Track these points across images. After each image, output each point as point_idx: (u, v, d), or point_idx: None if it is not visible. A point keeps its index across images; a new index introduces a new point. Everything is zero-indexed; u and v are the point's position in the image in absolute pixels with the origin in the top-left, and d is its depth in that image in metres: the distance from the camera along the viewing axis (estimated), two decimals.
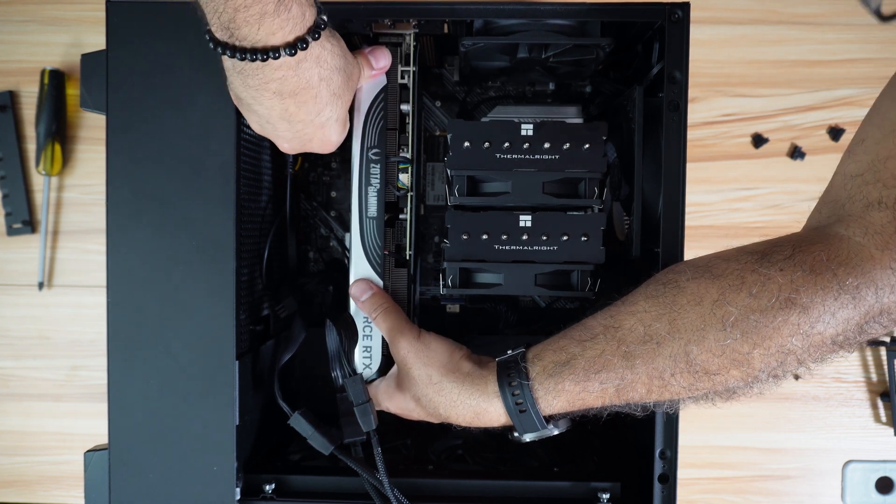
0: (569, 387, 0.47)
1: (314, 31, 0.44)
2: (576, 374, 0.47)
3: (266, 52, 0.42)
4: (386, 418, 0.59)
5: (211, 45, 0.44)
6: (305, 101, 0.47)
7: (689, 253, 0.55)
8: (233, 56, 0.43)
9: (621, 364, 0.46)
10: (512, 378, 0.49)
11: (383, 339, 0.60)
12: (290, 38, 0.43)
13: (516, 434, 0.50)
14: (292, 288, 0.64)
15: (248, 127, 0.58)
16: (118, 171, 0.53)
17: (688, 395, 0.46)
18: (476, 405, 0.50)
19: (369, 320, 0.59)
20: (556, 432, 0.51)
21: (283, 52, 0.43)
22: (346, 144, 0.56)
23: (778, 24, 0.78)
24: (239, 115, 0.54)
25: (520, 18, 0.56)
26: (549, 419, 0.49)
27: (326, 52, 0.46)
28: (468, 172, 0.56)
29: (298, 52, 0.43)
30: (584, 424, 0.74)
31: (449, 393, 0.51)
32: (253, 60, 0.43)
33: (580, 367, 0.47)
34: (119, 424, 0.54)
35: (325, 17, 0.44)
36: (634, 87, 0.60)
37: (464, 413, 0.51)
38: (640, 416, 0.49)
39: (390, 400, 0.56)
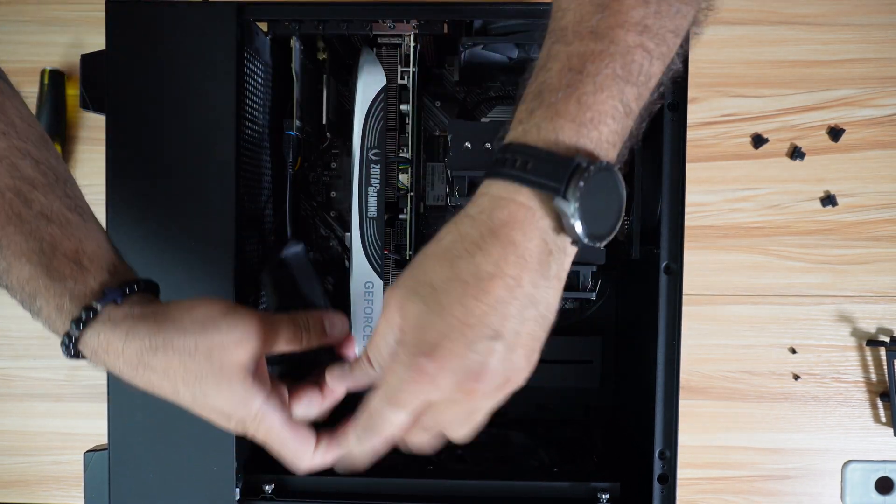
0: (575, 109, 0.35)
1: (78, 323, 0.41)
2: (575, 90, 0.35)
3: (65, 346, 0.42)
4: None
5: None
6: (128, 379, 0.42)
7: (690, 253, 0.55)
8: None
9: (593, 43, 0.35)
10: (516, 159, 0.35)
11: None
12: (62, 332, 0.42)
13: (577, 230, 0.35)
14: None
15: (248, 126, 0.58)
16: (118, 172, 0.53)
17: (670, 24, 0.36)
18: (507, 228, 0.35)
19: (369, 321, 0.59)
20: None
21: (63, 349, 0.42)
22: (347, 144, 0.56)
23: (778, 24, 0.78)
24: (239, 115, 0.54)
25: (520, 18, 0.56)
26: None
27: (110, 343, 0.41)
28: (468, 173, 0.56)
29: (79, 348, 0.41)
30: (584, 424, 0.74)
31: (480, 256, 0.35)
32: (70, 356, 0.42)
33: (573, 84, 0.35)
34: (119, 424, 0.54)
35: (97, 306, 0.41)
36: None
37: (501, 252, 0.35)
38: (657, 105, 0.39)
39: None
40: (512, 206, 0.35)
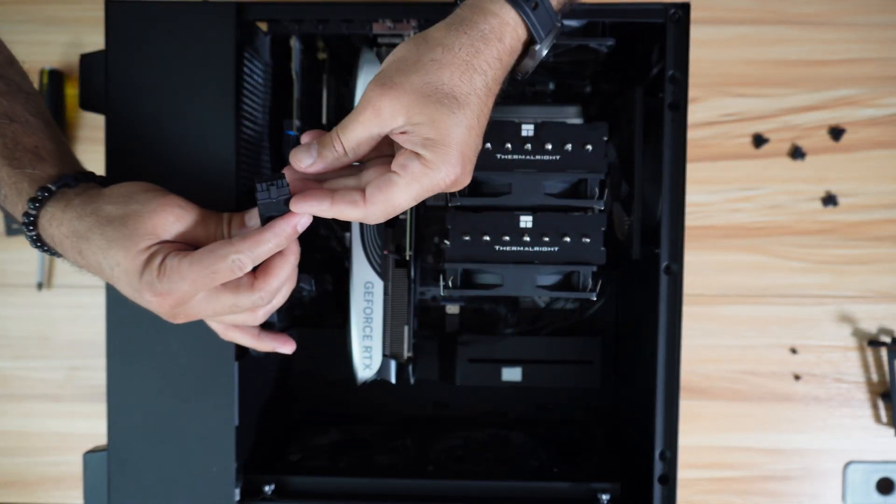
0: None
1: (34, 202, 0.46)
2: None
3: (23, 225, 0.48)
4: (383, 416, 0.58)
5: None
6: (71, 258, 0.47)
7: (690, 253, 0.54)
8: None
9: None
10: None
11: (383, 338, 0.60)
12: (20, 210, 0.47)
13: (537, 48, 0.44)
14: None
15: (248, 126, 0.57)
16: (117, 172, 0.53)
17: None
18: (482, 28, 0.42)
19: (369, 321, 0.59)
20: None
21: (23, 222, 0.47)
22: None
23: (778, 24, 0.78)
24: (238, 115, 0.54)
25: None
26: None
27: (65, 213, 0.46)
28: None
29: (37, 229, 0.47)
30: (584, 424, 0.74)
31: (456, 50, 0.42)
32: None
33: None
34: (118, 425, 0.54)
35: (51, 187, 0.46)
36: (635, 87, 0.60)
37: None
38: None
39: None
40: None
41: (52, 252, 0.48)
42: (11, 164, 0.47)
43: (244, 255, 0.43)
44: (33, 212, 0.46)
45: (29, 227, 0.47)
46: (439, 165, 0.42)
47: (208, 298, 0.45)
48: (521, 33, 0.44)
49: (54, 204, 0.46)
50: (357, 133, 0.42)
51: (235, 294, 0.45)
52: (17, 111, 0.49)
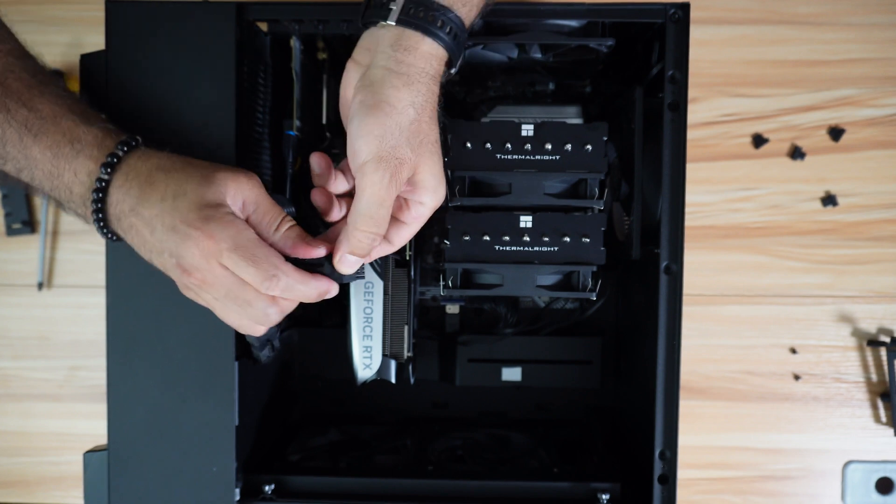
0: None
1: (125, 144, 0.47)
2: None
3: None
4: (383, 416, 0.58)
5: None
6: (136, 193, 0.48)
7: (690, 253, 0.55)
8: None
9: None
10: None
11: (383, 338, 0.60)
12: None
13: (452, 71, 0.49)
14: None
15: (248, 126, 0.57)
16: None
17: None
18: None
19: (369, 321, 0.59)
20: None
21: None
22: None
23: (778, 24, 0.78)
24: (239, 115, 0.54)
25: (520, 18, 0.56)
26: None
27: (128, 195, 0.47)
28: (468, 173, 0.56)
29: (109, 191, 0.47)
30: (584, 424, 0.74)
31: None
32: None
33: None
34: (118, 425, 0.54)
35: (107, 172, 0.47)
36: (634, 87, 0.60)
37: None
38: None
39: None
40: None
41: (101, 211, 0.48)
42: (88, 122, 0.48)
43: (282, 281, 0.46)
44: (120, 152, 0.47)
45: (107, 169, 0.47)
46: (439, 201, 0.49)
47: (231, 281, 0.46)
48: (443, 61, 0.48)
49: (140, 150, 0.48)
50: (386, 215, 0.47)
51: (256, 295, 0.46)
52: (69, 93, 0.50)
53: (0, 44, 0.50)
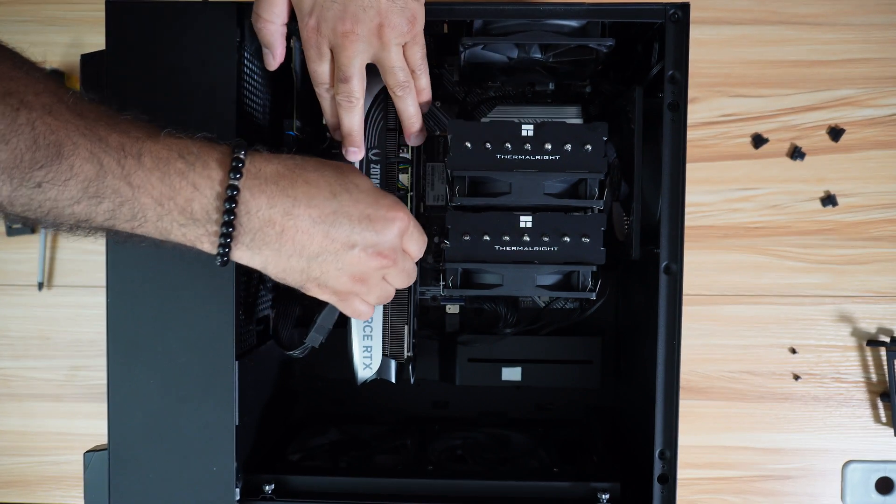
0: None
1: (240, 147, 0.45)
2: None
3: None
4: (383, 416, 0.59)
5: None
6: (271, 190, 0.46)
7: (690, 253, 0.55)
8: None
9: None
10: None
11: (383, 338, 0.60)
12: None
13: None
14: None
15: (248, 126, 0.58)
16: None
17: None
18: None
19: (369, 321, 0.59)
20: None
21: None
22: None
23: (778, 24, 0.78)
24: (239, 115, 0.54)
25: (520, 18, 0.56)
26: None
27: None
28: (469, 173, 0.56)
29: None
30: (584, 424, 0.74)
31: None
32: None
33: None
34: (119, 425, 0.54)
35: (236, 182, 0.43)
36: (634, 87, 0.60)
37: None
38: None
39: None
40: None
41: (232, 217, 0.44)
42: (178, 134, 0.44)
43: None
44: (241, 155, 0.44)
45: (236, 175, 0.43)
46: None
47: (403, 254, 0.50)
48: None
49: (252, 151, 0.45)
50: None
51: (413, 263, 0.52)
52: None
53: (44, 82, 0.41)
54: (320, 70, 0.52)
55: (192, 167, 0.43)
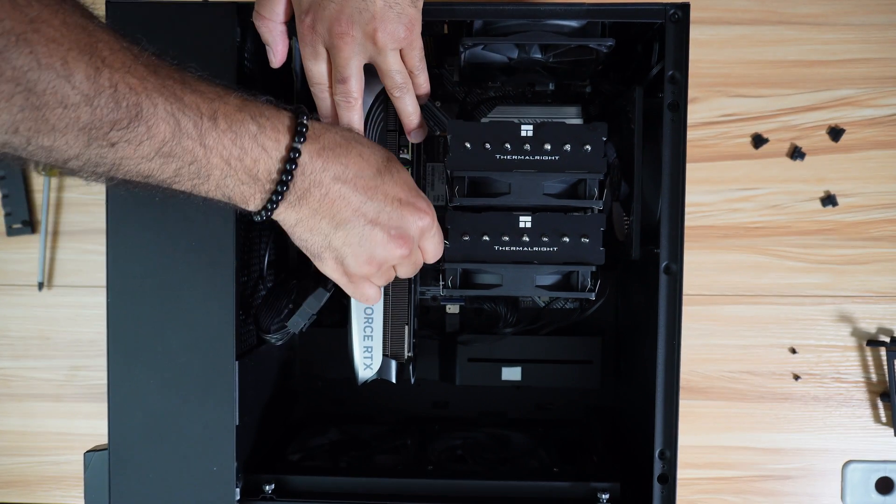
0: None
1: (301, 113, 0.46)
2: None
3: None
4: (383, 416, 0.59)
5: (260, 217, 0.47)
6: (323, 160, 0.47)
7: (690, 253, 0.55)
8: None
9: None
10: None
11: (383, 338, 0.60)
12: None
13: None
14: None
15: None
16: None
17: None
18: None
19: (370, 321, 0.59)
20: None
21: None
22: None
23: (778, 24, 0.78)
24: None
25: (520, 19, 0.56)
26: None
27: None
28: (468, 173, 0.56)
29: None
30: (584, 424, 0.74)
31: None
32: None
33: None
34: (119, 425, 0.54)
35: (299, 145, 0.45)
36: (634, 87, 0.60)
37: None
38: None
39: None
40: None
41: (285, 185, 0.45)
42: (247, 95, 0.45)
43: None
44: (305, 120, 0.46)
45: (300, 138, 0.45)
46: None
47: (415, 248, 0.51)
48: None
49: (314, 122, 0.47)
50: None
51: (418, 259, 0.53)
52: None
53: (114, 35, 0.39)
54: (315, 70, 0.52)
55: (263, 130, 0.44)
